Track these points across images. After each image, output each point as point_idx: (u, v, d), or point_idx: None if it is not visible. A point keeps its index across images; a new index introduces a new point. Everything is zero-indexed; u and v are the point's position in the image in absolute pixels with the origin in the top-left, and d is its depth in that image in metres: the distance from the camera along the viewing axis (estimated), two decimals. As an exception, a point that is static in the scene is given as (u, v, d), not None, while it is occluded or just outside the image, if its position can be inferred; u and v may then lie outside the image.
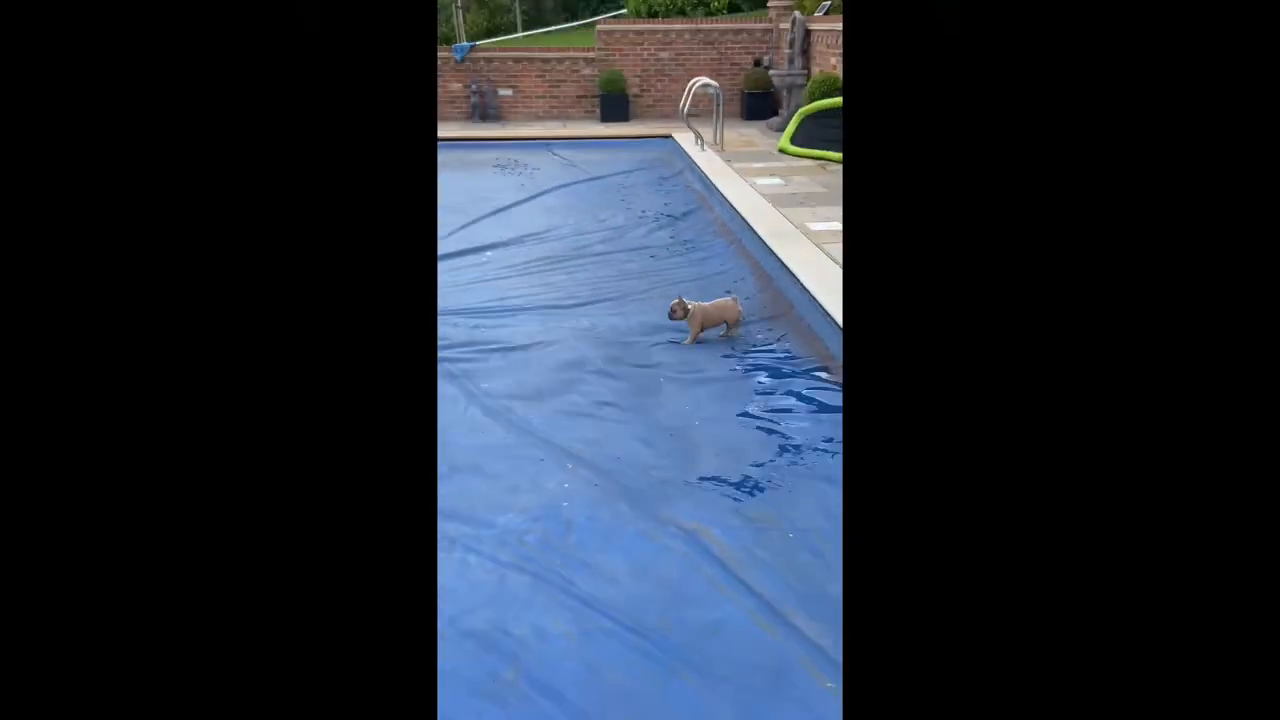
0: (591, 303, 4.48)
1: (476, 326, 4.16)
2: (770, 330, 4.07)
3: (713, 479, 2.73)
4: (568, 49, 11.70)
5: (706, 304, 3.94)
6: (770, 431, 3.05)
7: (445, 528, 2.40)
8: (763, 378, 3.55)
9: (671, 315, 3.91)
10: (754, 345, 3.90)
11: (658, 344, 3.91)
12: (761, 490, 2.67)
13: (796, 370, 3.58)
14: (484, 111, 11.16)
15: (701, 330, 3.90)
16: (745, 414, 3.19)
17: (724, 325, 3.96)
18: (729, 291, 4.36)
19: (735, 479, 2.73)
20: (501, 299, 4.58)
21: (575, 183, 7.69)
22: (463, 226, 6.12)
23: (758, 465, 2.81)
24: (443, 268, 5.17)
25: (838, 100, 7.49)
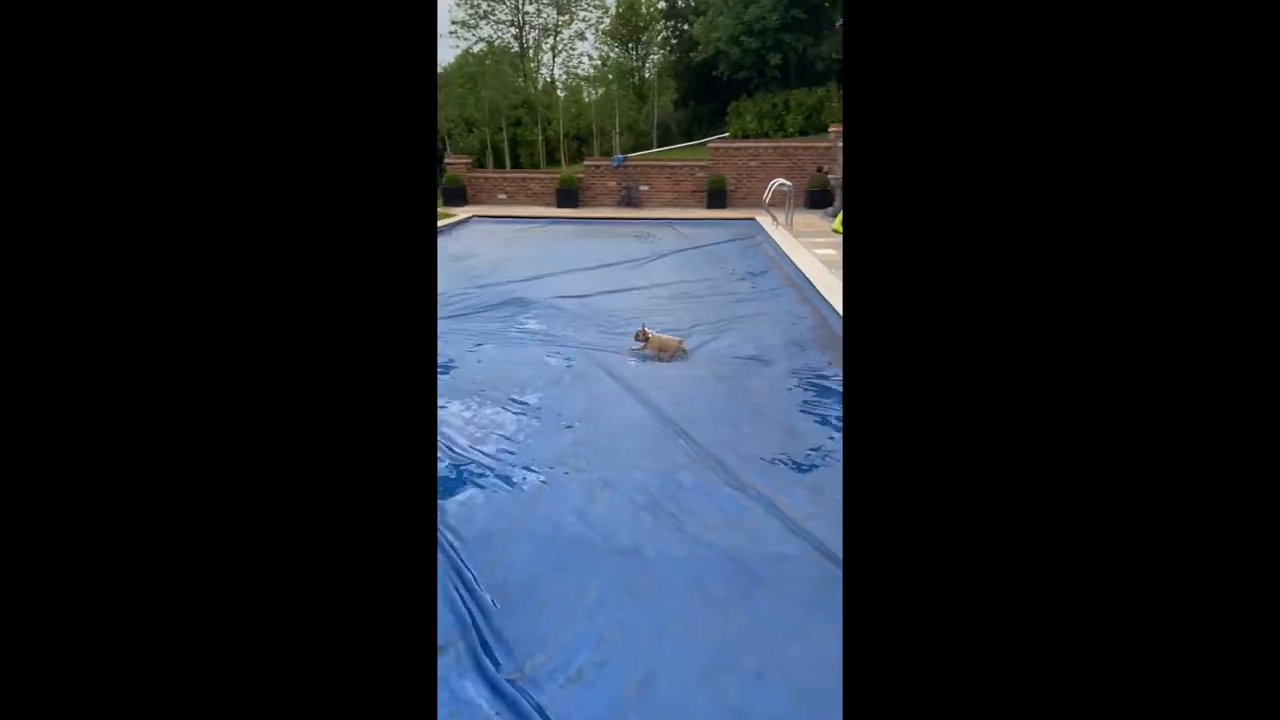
0: (695, 325, 4.44)
1: (617, 336, 4.19)
2: (823, 356, 3.89)
3: (779, 454, 2.62)
4: (686, 160, 11.69)
5: (662, 335, 3.89)
6: (822, 424, 2.91)
7: (600, 474, 2.41)
8: (818, 389, 3.38)
9: (636, 337, 3.90)
10: (813, 367, 3.73)
11: (738, 358, 3.80)
12: (816, 467, 2.54)
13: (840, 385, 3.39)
14: (628, 200, 11.32)
15: (656, 351, 3.82)
16: (804, 411, 3.05)
17: (669, 353, 3.82)
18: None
19: (798, 457, 2.61)
20: (631, 322, 4.60)
21: (687, 248, 7.64)
22: (611, 274, 6.20)
23: (813, 448, 2.68)
24: (596, 300, 5.24)
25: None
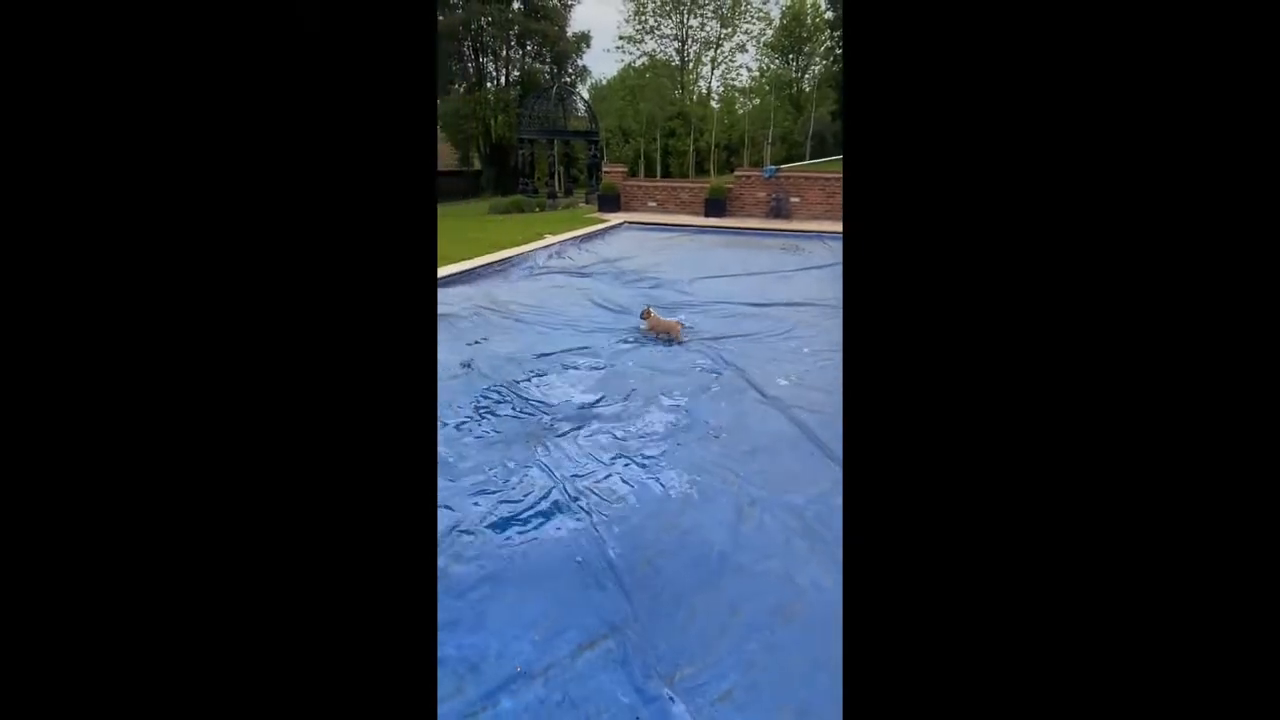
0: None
1: (766, 347, 4.10)
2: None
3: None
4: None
5: (661, 319, 4.14)
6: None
7: (745, 492, 2.36)
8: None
9: (641, 316, 4.22)
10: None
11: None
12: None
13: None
14: (777, 211, 11.07)
15: (653, 330, 4.09)
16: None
17: (672, 334, 4.05)
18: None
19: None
20: (785, 332, 4.47)
21: (838, 263, 7.29)
22: (757, 283, 6.09)
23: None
24: (745, 310, 5.17)
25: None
